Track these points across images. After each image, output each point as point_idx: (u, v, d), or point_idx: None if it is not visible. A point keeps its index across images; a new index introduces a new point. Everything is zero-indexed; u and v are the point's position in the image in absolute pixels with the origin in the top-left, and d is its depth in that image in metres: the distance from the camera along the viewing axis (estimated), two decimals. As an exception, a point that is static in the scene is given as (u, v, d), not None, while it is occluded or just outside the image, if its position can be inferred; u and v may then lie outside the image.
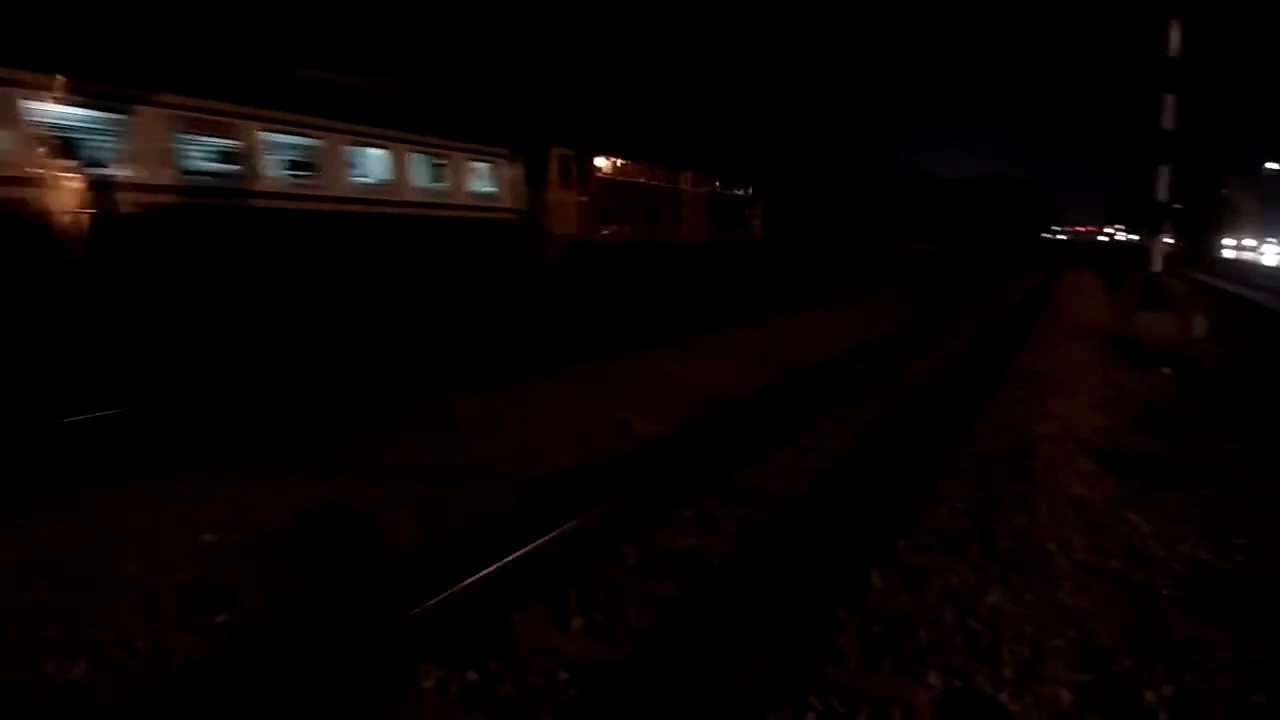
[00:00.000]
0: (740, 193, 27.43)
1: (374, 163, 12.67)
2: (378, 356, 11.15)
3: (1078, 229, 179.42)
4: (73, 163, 8.58)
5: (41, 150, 8.31)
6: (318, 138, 11.50)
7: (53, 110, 8.42)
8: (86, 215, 8.65)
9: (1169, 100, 13.42)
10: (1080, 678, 3.75)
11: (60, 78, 8.47)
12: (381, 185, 12.75)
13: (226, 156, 10.36)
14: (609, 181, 19.74)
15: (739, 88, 50.16)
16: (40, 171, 8.28)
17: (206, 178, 10.11)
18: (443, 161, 14.07)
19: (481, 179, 15.14)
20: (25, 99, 8.17)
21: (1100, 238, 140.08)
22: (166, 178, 9.57)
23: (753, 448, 7.08)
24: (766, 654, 3.51)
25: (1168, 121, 13.50)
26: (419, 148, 13.52)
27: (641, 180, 21.40)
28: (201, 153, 10.07)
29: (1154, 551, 5.21)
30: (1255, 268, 51.21)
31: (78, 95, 8.66)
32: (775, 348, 12.97)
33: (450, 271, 14.03)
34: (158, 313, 9.37)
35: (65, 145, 8.56)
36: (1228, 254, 70.57)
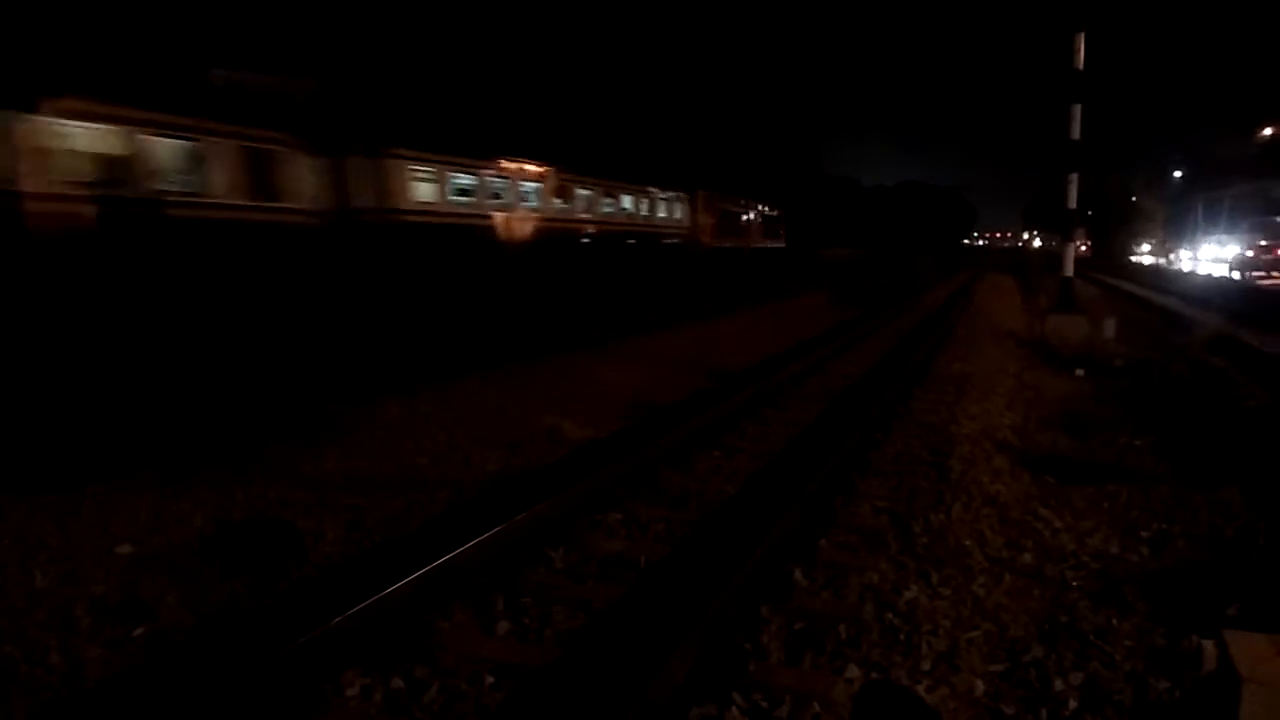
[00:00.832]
0: (774, 213, 40.70)
1: (647, 204, 26.75)
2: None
3: (997, 235, 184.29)
4: None
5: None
6: (652, 198, 27.02)
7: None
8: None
9: (1076, 110, 13.89)
10: (994, 668, 3.88)
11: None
12: (647, 215, 26.70)
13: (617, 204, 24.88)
14: (721, 209, 32.85)
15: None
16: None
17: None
18: (666, 199, 28.05)
19: (674, 209, 28.79)
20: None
21: (1019, 244, 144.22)
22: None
23: (703, 440, 7.48)
24: (691, 653, 3.56)
25: (1075, 131, 13.97)
26: (661, 196, 27.63)
27: (734, 209, 34.83)
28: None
29: (1065, 545, 5.38)
30: (1166, 271, 53.06)
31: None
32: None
33: (665, 260, 27.38)
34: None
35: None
36: (1144, 259, 72.64)
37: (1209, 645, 3.95)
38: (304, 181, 13.44)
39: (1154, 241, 75.76)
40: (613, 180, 24.14)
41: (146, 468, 6.46)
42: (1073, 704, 3.62)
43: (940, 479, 6.47)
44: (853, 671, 3.70)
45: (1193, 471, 7.03)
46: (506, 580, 4.57)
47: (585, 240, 22.61)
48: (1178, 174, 72.33)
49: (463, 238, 17.36)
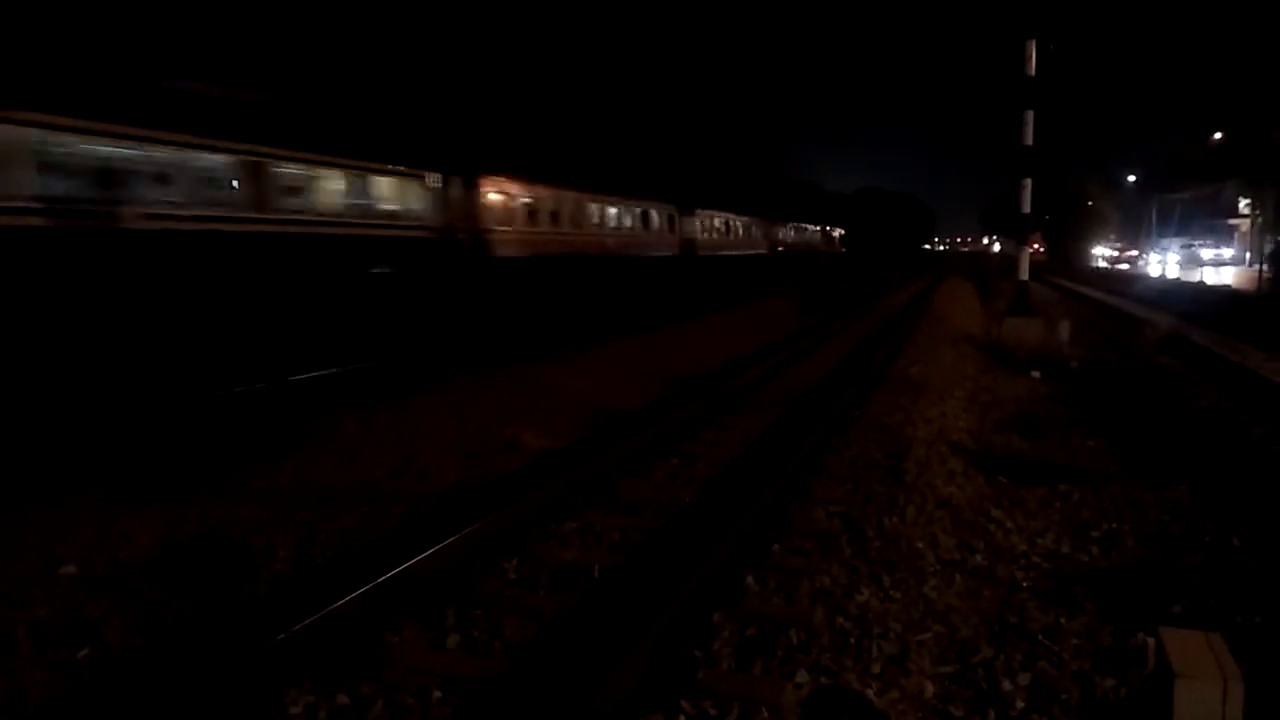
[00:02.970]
0: (842, 232, 71.32)
1: (815, 234, 62.79)
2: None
3: (957, 240, 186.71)
4: None
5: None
6: (819, 230, 64.67)
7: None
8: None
9: (1029, 116, 14.10)
10: (943, 670, 3.90)
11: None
12: (817, 240, 63.46)
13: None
14: (829, 233, 65.57)
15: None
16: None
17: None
18: (816, 230, 62.46)
19: (816, 235, 61.99)
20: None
21: (977, 249, 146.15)
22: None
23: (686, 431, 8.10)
24: (641, 661, 3.55)
25: (1028, 137, 14.18)
26: (817, 228, 62.97)
27: (832, 233, 66.54)
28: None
29: (1016, 546, 5.44)
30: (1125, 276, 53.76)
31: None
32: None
33: (816, 260, 54.88)
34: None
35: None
36: (1103, 263, 73.09)
37: (1154, 643, 4.01)
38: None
39: (1110, 243, 76.71)
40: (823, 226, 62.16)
41: (93, 486, 6.33)
42: (1020, 704, 3.65)
43: (895, 482, 6.51)
44: (802, 676, 3.70)
45: (1143, 471, 7.13)
46: (458, 592, 4.53)
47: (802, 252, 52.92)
48: (1132, 178, 73.52)
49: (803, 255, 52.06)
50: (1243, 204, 54.64)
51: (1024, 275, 15.33)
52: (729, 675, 3.71)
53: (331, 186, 14.29)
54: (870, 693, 3.63)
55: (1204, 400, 10.77)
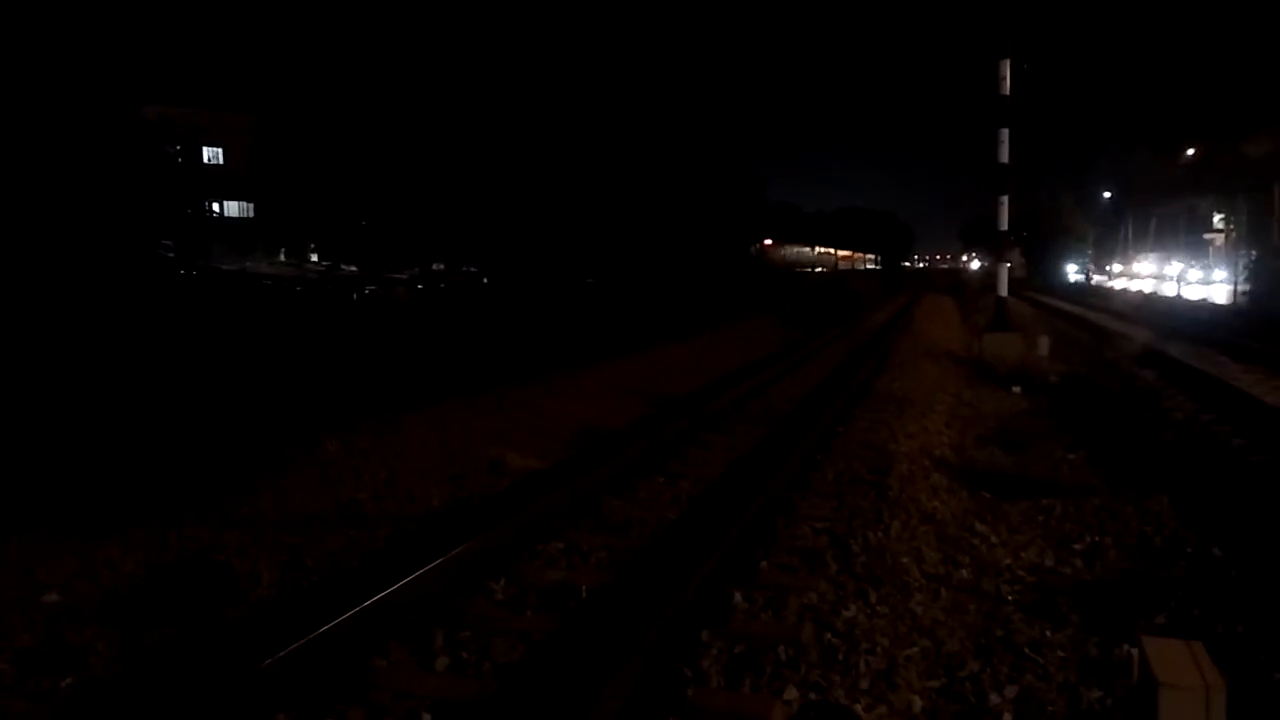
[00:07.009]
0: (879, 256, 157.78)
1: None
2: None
3: (936, 257, 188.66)
4: None
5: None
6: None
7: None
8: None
9: (1004, 134, 14.25)
10: (931, 684, 3.92)
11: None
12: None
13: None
14: (878, 259, 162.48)
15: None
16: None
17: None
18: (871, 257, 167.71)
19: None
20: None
21: (959, 265, 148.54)
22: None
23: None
24: (630, 681, 3.55)
25: (1004, 155, 14.33)
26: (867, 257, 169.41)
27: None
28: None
29: (1001, 560, 5.48)
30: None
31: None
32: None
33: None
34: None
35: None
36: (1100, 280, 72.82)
37: (1137, 653, 4.04)
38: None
39: (1085, 261, 77.31)
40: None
41: (74, 514, 6.27)
42: (1008, 717, 3.68)
43: (879, 497, 6.54)
44: (791, 693, 3.71)
45: (1124, 483, 7.20)
46: (446, 614, 4.52)
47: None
48: (1107, 194, 74.33)
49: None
50: (1216, 219, 55.36)
51: (1003, 291, 15.46)
52: (718, 693, 3.71)
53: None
54: (859, 708, 3.64)
55: (1181, 413, 10.87)
